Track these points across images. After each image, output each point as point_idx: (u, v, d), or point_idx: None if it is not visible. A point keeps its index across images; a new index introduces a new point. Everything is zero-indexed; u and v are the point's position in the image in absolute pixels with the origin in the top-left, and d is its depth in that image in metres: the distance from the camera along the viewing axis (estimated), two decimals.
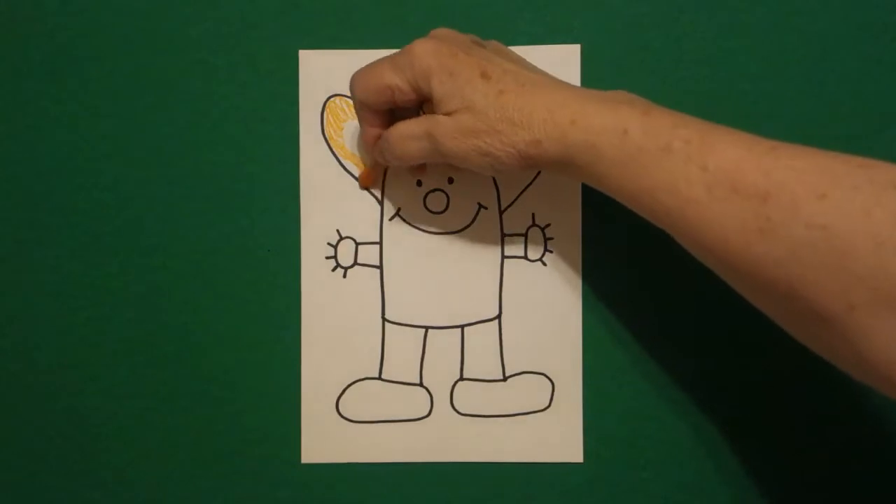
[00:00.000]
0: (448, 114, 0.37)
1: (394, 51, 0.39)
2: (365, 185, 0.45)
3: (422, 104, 0.40)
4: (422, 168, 0.44)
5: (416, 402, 0.45)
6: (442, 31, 0.39)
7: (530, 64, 0.40)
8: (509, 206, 0.45)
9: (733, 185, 0.31)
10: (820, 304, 0.30)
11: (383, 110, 0.40)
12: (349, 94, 0.44)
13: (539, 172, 0.44)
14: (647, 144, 0.33)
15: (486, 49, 0.39)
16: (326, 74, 0.44)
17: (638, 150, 0.33)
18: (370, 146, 0.42)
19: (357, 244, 0.45)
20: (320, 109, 0.45)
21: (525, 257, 0.45)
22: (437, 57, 0.37)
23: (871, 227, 0.29)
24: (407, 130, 0.39)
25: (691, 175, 0.32)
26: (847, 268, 0.29)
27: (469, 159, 0.37)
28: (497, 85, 0.36)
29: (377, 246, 0.45)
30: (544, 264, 0.45)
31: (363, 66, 0.40)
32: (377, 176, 0.45)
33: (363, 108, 0.40)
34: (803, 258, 0.30)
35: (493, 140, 0.36)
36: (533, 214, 0.45)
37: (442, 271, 0.45)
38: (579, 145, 0.34)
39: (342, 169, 0.45)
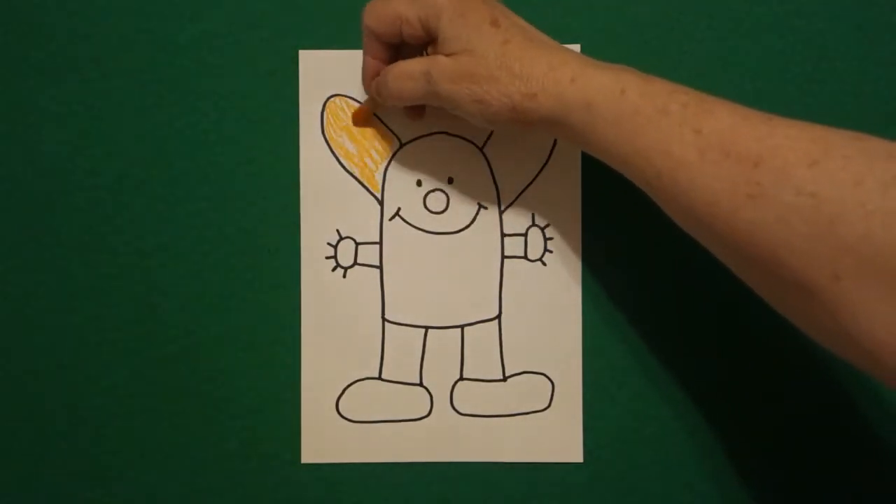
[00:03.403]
0: (450, 55, 0.37)
1: None
2: (357, 123, 0.45)
3: (426, 47, 0.39)
4: (419, 111, 0.43)
5: (416, 401, 0.45)
6: None
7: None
8: (509, 206, 0.45)
9: (726, 150, 0.31)
10: (805, 273, 0.30)
11: (389, 44, 0.40)
12: (349, 94, 0.45)
13: (539, 172, 0.44)
14: (643, 105, 0.33)
15: (503, 5, 0.39)
16: (326, 74, 0.44)
17: (634, 111, 0.33)
18: (368, 79, 0.42)
19: (357, 244, 0.45)
20: (320, 109, 0.45)
21: (525, 257, 0.45)
22: None
23: (861, 196, 0.28)
24: (406, 68, 0.39)
25: (685, 137, 0.32)
26: (834, 236, 0.29)
27: (462, 105, 0.37)
28: (504, 34, 0.36)
29: (377, 246, 0.45)
30: (544, 264, 0.45)
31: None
32: (370, 116, 0.44)
33: (370, 37, 0.40)
34: (791, 225, 0.30)
35: (489, 87, 0.36)
36: (533, 214, 0.45)
37: (442, 271, 0.45)
38: (576, 103, 0.35)
39: (342, 169, 0.45)
